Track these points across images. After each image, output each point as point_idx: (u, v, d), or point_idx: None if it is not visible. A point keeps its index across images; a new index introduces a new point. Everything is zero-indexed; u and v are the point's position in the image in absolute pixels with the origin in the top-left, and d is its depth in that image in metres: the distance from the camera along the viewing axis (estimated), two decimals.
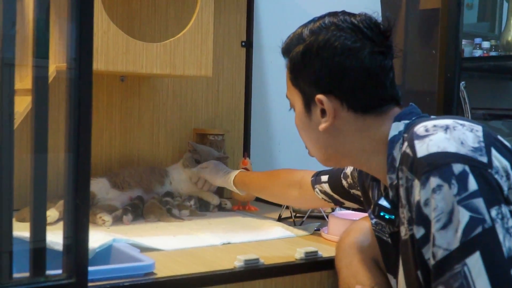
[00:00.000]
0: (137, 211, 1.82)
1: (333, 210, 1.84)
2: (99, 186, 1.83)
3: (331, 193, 1.57)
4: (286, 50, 1.24)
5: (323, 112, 1.18)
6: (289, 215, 1.88)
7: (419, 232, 0.99)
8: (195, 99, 2.20)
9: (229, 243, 1.57)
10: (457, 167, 0.94)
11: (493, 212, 0.92)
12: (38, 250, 1.10)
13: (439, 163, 0.95)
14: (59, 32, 1.63)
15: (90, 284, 1.15)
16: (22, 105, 1.64)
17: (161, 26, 2.09)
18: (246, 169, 2.02)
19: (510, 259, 0.91)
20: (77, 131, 1.10)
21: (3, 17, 1.08)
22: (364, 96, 1.16)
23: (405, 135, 1.10)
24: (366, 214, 1.60)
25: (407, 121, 1.14)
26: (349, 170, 1.50)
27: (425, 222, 0.97)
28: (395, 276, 1.22)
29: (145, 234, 1.61)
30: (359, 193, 1.45)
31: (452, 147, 0.96)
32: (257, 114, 2.42)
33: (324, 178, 1.59)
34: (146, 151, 2.11)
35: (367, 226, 1.39)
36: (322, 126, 1.18)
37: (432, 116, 1.13)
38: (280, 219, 1.88)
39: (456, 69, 1.86)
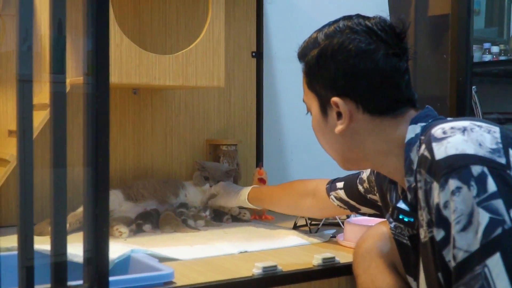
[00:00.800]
0: (152, 220, 1.82)
1: (348, 217, 1.84)
2: (111, 198, 1.83)
3: (347, 199, 1.57)
4: (302, 55, 1.26)
5: (339, 115, 1.19)
6: (304, 223, 1.88)
7: (439, 234, 0.99)
8: (207, 110, 2.21)
9: (246, 251, 1.58)
10: (476, 169, 0.95)
11: None
12: (60, 263, 1.11)
13: (458, 165, 0.96)
14: (71, 46, 1.65)
15: None
16: (37, 119, 1.66)
17: (172, 38, 2.10)
18: (262, 179, 2.03)
19: None
20: (95, 144, 1.11)
21: (19, 33, 1.10)
22: (379, 98, 1.17)
23: (422, 137, 1.10)
24: (382, 220, 1.60)
25: (423, 124, 1.14)
26: (365, 175, 1.50)
27: (445, 224, 0.98)
28: (415, 278, 1.22)
29: (162, 245, 1.62)
30: (375, 197, 1.46)
31: (470, 149, 0.97)
32: (269, 123, 2.42)
33: (340, 184, 1.59)
34: (160, 163, 2.12)
35: (384, 231, 1.39)
36: (338, 128, 1.19)
37: (448, 118, 1.14)
38: (295, 227, 1.89)
39: (468, 74, 1.87)
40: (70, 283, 1.12)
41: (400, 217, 1.16)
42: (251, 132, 2.32)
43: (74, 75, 1.66)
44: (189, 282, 1.29)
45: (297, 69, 2.50)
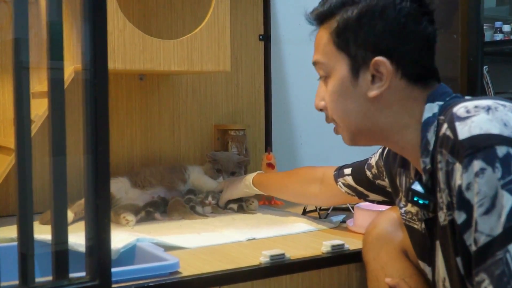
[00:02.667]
0: (159, 208, 1.80)
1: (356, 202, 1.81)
2: (118, 186, 1.81)
3: (355, 186, 1.53)
4: (327, 13, 1.17)
5: (374, 78, 1.12)
6: (314, 208, 1.85)
7: (460, 217, 0.96)
8: (214, 95, 2.18)
9: (253, 238, 1.55)
10: (502, 150, 0.91)
11: None
12: (60, 253, 1.08)
13: (483, 146, 0.92)
14: (77, 33, 1.62)
15: (114, 285, 1.12)
16: (42, 107, 1.63)
17: (177, 22, 2.07)
18: (271, 164, 2.00)
19: None
20: (95, 131, 1.09)
21: (16, 21, 1.06)
22: (419, 65, 1.12)
23: (441, 117, 1.06)
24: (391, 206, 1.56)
25: (441, 102, 1.10)
26: (373, 160, 1.46)
27: (466, 207, 0.94)
28: (430, 263, 1.19)
29: (169, 233, 1.59)
30: (384, 183, 1.42)
31: (495, 129, 0.93)
32: (277, 107, 2.39)
33: (347, 171, 1.55)
34: (168, 149, 2.10)
35: (394, 216, 1.36)
36: (373, 93, 1.12)
37: (467, 97, 1.10)
38: (304, 213, 1.86)
39: (479, 53, 1.82)
40: (72, 274, 1.09)
41: (415, 199, 1.11)
42: (260, 116, 2.29)
43: (80, 62, 1.62)
44: (194, 271, 1.26)
45: (306, 51, 2.48)
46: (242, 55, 2.23)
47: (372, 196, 1.52)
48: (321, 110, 1.23)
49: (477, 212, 0.92)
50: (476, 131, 0.94)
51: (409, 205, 1.23)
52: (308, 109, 2.52)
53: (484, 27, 2.78)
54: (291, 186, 1.74)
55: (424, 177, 1.10)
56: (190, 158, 2.11)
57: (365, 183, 1.50)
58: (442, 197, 1.03)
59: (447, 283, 1.10)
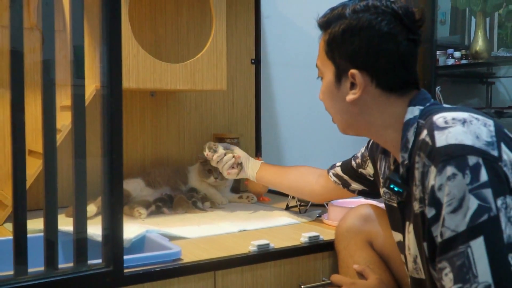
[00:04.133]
0: (166, 204, 1.78)
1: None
2: (134, 186, 1.80)
3: (342, 174, 1.50)
4: (326, 24, 1.15)
5: (352, 85, 1.11)
6: (295, 204, 1.83)
7: (430, 212, 0.94)
8: (213, 109, 2.16)
9: (244, 230, 1.53)
10: (472, 159, 0.89)
11: (499, 202, 0.87)
12: (80, 242, 1.06)
13: (456, 154, 0.90)
14: (98, 57, 1.61)
15: (126, 270, 1.11)
16: (68, 119, 1.61)
17: (183, 49, 2.05)
18: None
19: (509, 245, 0.86)
20: (111, 139, 1.07)
21: (45, 45, 1.05)
22: (393, 77, 1.10)
23: (421, 121, 1.05)
24: (361, 202, 1.55)
25: (421, 107, 1.08)
26: (359, 153, 1.44)
27: (437, 204, 0.92)
28: (401, 232, 1.17)
29: (174, 225, 1.57)
30: (365, 171, 1.41)
31: (468, 140, 0.91)
32: (266, 120, 2.38)
33: (338, 163, 1.53)
34: (174, 153, 2.07)
35: (362, 212, 1.35)
36: (350, 97, 1.12)
37: (444, 105, 1.08)
38: (287, 208, 1.84)
39: (432, 77, 1.80)
40: (91, 261, 1.08)
41: (391, 186, 1.10)
42: (251, 127, 2.27)
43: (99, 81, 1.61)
44: (194, 258, 1.24)
45: (290, 73, 2.47)
46: (237, 76, 2.22)
47: (354, 185, 1.48)
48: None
49: (445, 210, 0.90)
50: (452, 141, 0.92)
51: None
52: (292, 121, 2.52)
53: (438, 54, 2.78)
54: (289, 176, 1.67)
55: (401, 169, 1.08)
56: (192, 161, 2.09)
57: (350, 172, 1.47)
58: (416, 191, 1.01)
59: (418, 260, 1.08)
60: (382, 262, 1.30)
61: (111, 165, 1.08)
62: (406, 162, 1.06)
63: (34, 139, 1.64)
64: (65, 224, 1.27)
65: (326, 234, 1.45)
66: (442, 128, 0.95)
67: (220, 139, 2.09)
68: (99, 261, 1.08)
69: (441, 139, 0.93)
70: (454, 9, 3.14)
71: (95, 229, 1.20)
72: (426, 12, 1.80)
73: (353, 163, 1.45)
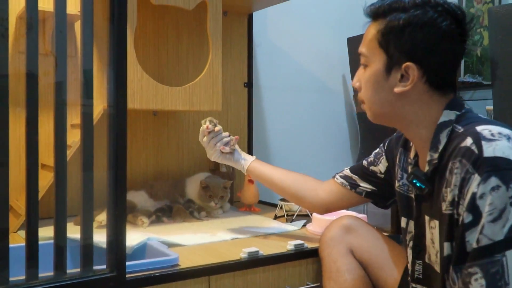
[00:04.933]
0: (166, 213, 1.76)
1: None
2: (139, 198, 1.79)
3: (350, 174, 1.38)
4: (381, 13, 1.06)
5: (402, 77, 1.04)
6: (283, 214, 1.82)
7: (467, 218, 0.90)
8: None
9: (236, 238, 1.52)
10: None
11: None
12: (87, 248, 1.05)
13: (502, 167, 0.87)
14: (107, 79, 1.60)
15: (128, 275, 1.10)
16: (77, 136, 1.60)
17: (183, 73, 2.05)
18: (251, 180, 1.96)
19: None
20: (116, 155, 1.06)
21: (58, 69, 1.04)
22: (443, 76, 1.04)
23: (458, 126, 1.00)
24: (342, 213, 1.54)
25: (457, 112, 1.03)
26: (373, 153, 1.36)
27: (475, 211, 0.88)
28: (410, 218, 1.16)
29: (173, 233, 1.56)
30: (376, 169, 1.33)
31: None
32: (257, 137, 2.37)
33: (346, 168, 1.42)
34: (173, 166, 2.06)
35: (345, 223, 1.34)
36: (399, 89, 1.05)
37: (483, 117, 1.03)
38: (275, 218, 1.83)
39: None
40: (96, 267, 1.06)
41: (414, 181, 1.06)
42: (244, 144, 2.25)
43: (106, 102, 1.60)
44: (191, 264, 1.23)
45: (279, 95, 2.47)
46: (231, 98, 2.21)
47: (362, 184, 1.35)
48: (355, 88, 1.14)
49: (485, 218, 0.87)
50: (499, 153, 0.88)
51: (405, 179, 1.18)
52: (281, 140, 2.52)
53: None
54: (290, 177, 1.45)
55: (427, 167, 1.04)
56: (190, 173, 2.07)
57: (359, 170, 1.37)
58: (447, 193, 0.97)
59: (438, 254, 1.04)
60: (361, 268, 1.29)
61: (116, 178, 1.07)
62: (435, 162, 1.02)
63: (46, 154, 1.63)
64: (73, 232, 1.26)
65: (311, 242, 1.44)
66: (489, 140, 0.91)
67: None
68: (104, 266, 1.07)
69: (489, 150, 0.89)
70: None
71: (100, 237, 1.19)
72: None
73: (364, 162, 1.37)
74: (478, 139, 0.92)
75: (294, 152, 2.51)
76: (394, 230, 1.60)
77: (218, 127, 1.51)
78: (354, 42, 2.64)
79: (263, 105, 2.44)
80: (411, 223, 1.16)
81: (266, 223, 1.74)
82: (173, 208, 1.79)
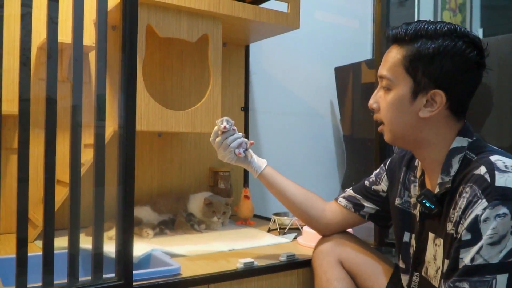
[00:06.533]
0: (168, 226, 1.76)
1: None
2: (144, 213, 1.78)
3: (354, 194, 1.32)
4: (408, 38, 1.01)
5: (427, 102, 1.00)
6: (276, 227, 1.83)
7: (465, 236, 0.88)
8: (209, 147, 2.14)
9: (233, 249, 1.52)
10: None
11: None
12: (97, 257, 1.05)
13: (511, 198, 0.87)
14: (118, 103, 1.61)
15: (134, 283, 1.10)
16: (90, 155, 1.60)
17: (186, 99, 2.06)
18: (247, 195, 1.96)
19: None
20: (125, 173, 1.07)
21: (74, 94, 1.06)
22: (463, 103, 1.02)
23: (471, 153, 0.99)
24: None
25: (469, 140, 1.01)
26: (373, 174, 1.33)
27: (475, 232, 0.87)
28: (411, 232, 1.15)
29: (175, 244, 1.55)
30: (378, 188, 1.30)
31: None
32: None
33: (347, 189, 1.37)
34: (176, 183, 2.06)
35: (335, 236, 1.34)
36: (425, 114, 1.01)
37: (490, 145, 1.02)
38: (269, 231, 1.83)
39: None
40: (105, 275, 1.06)
41: (424, 201, 1.04)
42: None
43: (116, 124, 1.61)
44: (191, 274, 1.23)
45: (272, 119, 2.49)
46: None
47: (366, 204, 1.31)
48: (372, 109, 1.09)
49: (485, 240, 0.85)
50: (510, 185, 0.87)
51: (407, 196, 1.17)
52: (274, 159, 2.52)
53: None
54: (301, 193, 1.37)
55: (437, 189, 1.02)
56: (192, 189, 2.08)
57: (362, 190, 1.32)
58: (454, 214, 0.95)
59: (439, 271, 1.03)
60: (350, 278, 1.29)
61: (125, 194, 1.08)
62: (447, 186, 0.99)
63: (62, 171, 1.63)
64: (85, 242, 1.26)
65: (301, 254, 1.44)
66: (502, 171, 0.89)
67: (215, 172, 2.09)
68: (113, 275, 1.07)
69: (501, 181, 0.88)
70: None
71: (109, 247, 1.19)
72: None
73: (366, 182, 1.33)
74: (492, 169, 0.90)
75: (285, 170, 2.50)
76: (377, 243, 1.61)
77: (234, 127, 1.37)
78: (340, 72, 2.68)
79: (258, 127, 2.45)
80: (412, 238, 1.14)
81: (261, 235, 1.74)
82: (175, 221, 1.79)
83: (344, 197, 1.35)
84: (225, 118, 1.35)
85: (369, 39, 2.91)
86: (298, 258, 1.40)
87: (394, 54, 1.03)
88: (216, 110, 1.76)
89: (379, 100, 1.07)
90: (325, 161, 2.73)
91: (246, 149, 1.37)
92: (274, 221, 1.86)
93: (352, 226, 1.38)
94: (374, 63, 1.98)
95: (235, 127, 1.36)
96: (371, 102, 1.08)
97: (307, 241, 1.57)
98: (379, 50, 1.68)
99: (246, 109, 2.28)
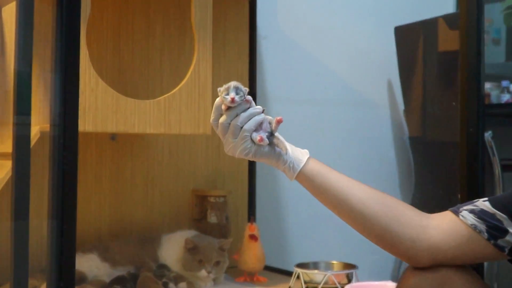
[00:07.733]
0: (127, 285, 1.78)
1: (349, 281, 1.80)
2: (88, 264, 1.80)
3: (492, 210, 1.24)
4: None
5: None
6: (300, 287, 1.85)
7: None
8: (193, 157, 2.19)
9: None
10: None
11: None
12: None
13: None
14: (43, 89, 1.62)
15: None
16: (6, 169, 1.62)
17: (155, 79, 2.09)
18: (254, 235, 1.98)
19: None
20: (61, 199, 1.08)
21: None
22: None
23: None
24: (383, 283, 1.56)
25: None
26: None
27: None
28: None
29: None
30: None
31: None
32: (262, 171, 2.38)
33: (482, 199, 1.28)
34: (139, 216, 2.08)
35: (441, 272, 1.24)
36: None
37: None
38: None
39: (479, 122, 1.80)
40: None
41: None
42: (243, 181, 2.29)
43: (46, 122, 1.63)
44: None
45: (294, 111, 2.50)
46: None
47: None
48: None
49: None
50: None
51: None
52: None
53: (490, 87, 2.79)
54: (380, 197, 1.29)
55: None
56: (164, 227, 2.09)
57: (508, 205, 1.23)
58: None
59: None
60: None
61: (61, 233, 1.09)
62: None
63: None
64: None
65: None
66: None
67: (202, 197, 2.11)
68: None
69: None
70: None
71: None
72: (469, 24, 1.79)
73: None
74: None
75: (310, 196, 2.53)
76: None
77: (248, 98, 1.28)
78: (404, 34, 2.70)
79: None
80: None
81: None
82: (139, 277, 1.81)
83: (472, 211, 1.26)
84: (232, 84, 1.27)
85: None
86: None
87: None
88: (203, 98, 1.77)
89: None
90: (379, 175, 2.74)
91: (272, 133, 1.30)
92: (298, 277, 1.88)
93: (476, 262, 1.35)
94: (457, 19, 1.99)
95: (249, 97, 1.29)
96: None
97: None
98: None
99: (252, 96, 2.30)
